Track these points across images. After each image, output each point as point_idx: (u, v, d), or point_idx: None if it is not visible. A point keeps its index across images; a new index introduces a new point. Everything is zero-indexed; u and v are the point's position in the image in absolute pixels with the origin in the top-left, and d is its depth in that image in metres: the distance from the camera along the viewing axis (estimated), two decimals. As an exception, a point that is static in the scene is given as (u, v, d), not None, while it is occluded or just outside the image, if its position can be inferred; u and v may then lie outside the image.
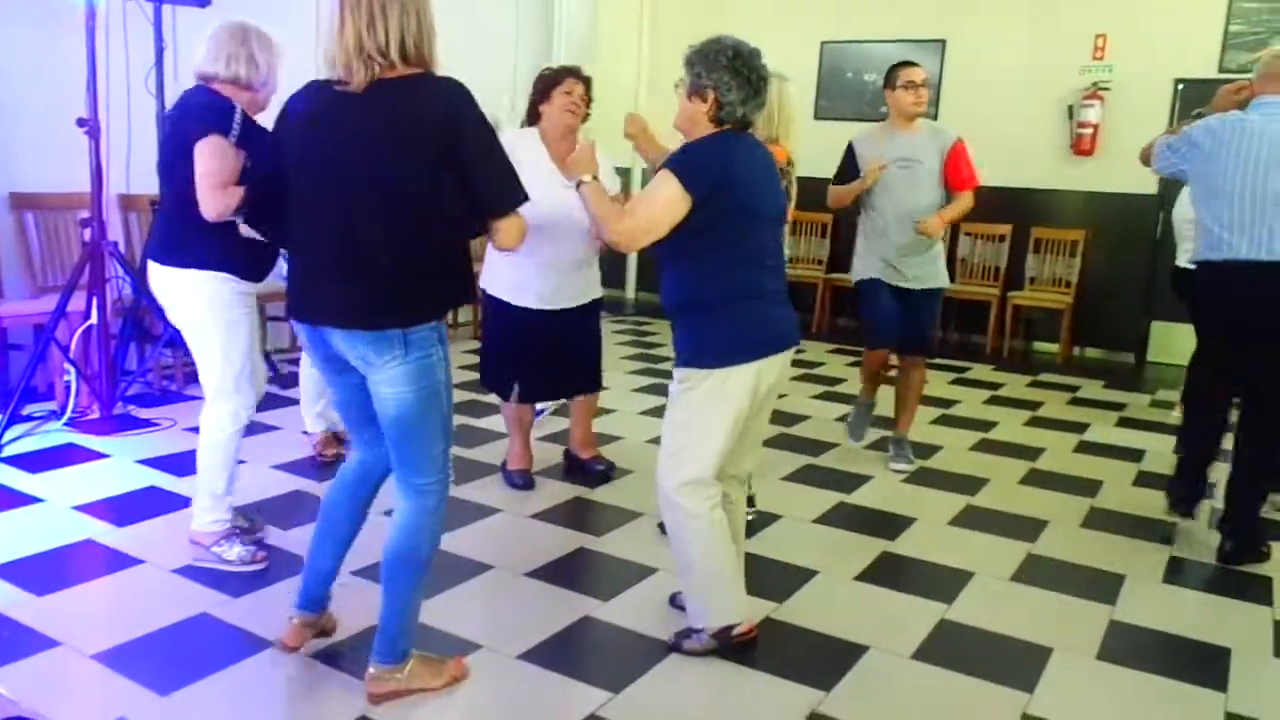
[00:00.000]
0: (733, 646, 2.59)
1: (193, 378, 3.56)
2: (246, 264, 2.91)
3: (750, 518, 3.53)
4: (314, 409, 4.00)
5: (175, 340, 4.00)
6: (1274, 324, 3.26)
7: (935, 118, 7.41)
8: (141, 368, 4.70)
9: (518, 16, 7.36)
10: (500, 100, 6.35)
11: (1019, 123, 7.17)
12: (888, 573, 3.23)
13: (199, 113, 2.76)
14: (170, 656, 2.48)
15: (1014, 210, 7.26)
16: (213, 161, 2.70)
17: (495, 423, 4.70)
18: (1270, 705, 2.53)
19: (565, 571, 3.11)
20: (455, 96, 2.10)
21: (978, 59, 7.29)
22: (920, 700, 2.49)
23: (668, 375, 5.35)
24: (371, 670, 2.33)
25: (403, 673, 2.32)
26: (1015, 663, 2.67)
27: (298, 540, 3.06)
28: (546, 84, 3.70)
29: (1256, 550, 3.45)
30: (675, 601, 2.85)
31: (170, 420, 4.34)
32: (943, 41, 7.41)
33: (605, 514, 3.62)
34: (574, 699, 2.39)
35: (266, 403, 3.83)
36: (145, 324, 4.70)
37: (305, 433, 4.08)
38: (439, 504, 2.29)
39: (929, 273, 4.21)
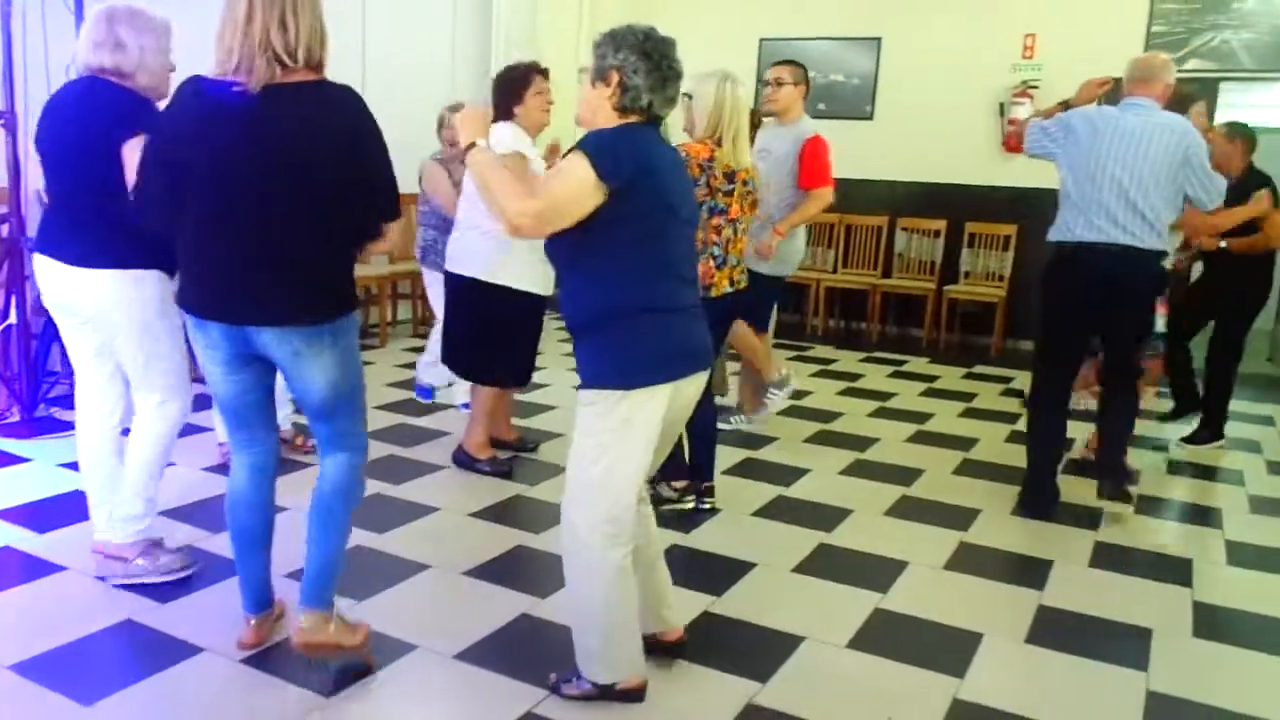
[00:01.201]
0: (615, 697, 2.34)
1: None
2: (172, 260, 2.80)
3: (707, 506, 3.66)
4: None
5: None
6: (1134, 297, 3.67)
7: (871, 115, 7.55)
8: (65, 368, 4.55)
9: (455, 12, 7.29)
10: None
11: (952, 120, 7.30)
12: (824, 564, 3.27)
13: (115, 108, 2.59)
14: (93, 665, 2.41)
15: (949, 205, 7.40)
16: None
17: (432, 421, 4.66)
18: (1188, 683, 2.61)
19: (503, 569, 3.09)
20: (357, 105, 2.17)
21: (912, 57, 7.41)
22: (855, 688, 2.53)
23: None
24: (304, 620, 2.34)
25: (331, 625, 2.36)
26: (947, 648, 2.73)
27: (225, 544, 2.99)
28: (516, 84, 3.72)
29: (1126, 487, 3.84)
30: (553, 684, 2.45)
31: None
32: (878, 39, 7.52)
33: (544, 511, 3.60)
34: (511, 697, 2.37)
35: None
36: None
37: (220, 444, 3.92)
38: (365, 455, 2.44)
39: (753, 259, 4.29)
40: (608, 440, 2.19)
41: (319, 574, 2.36)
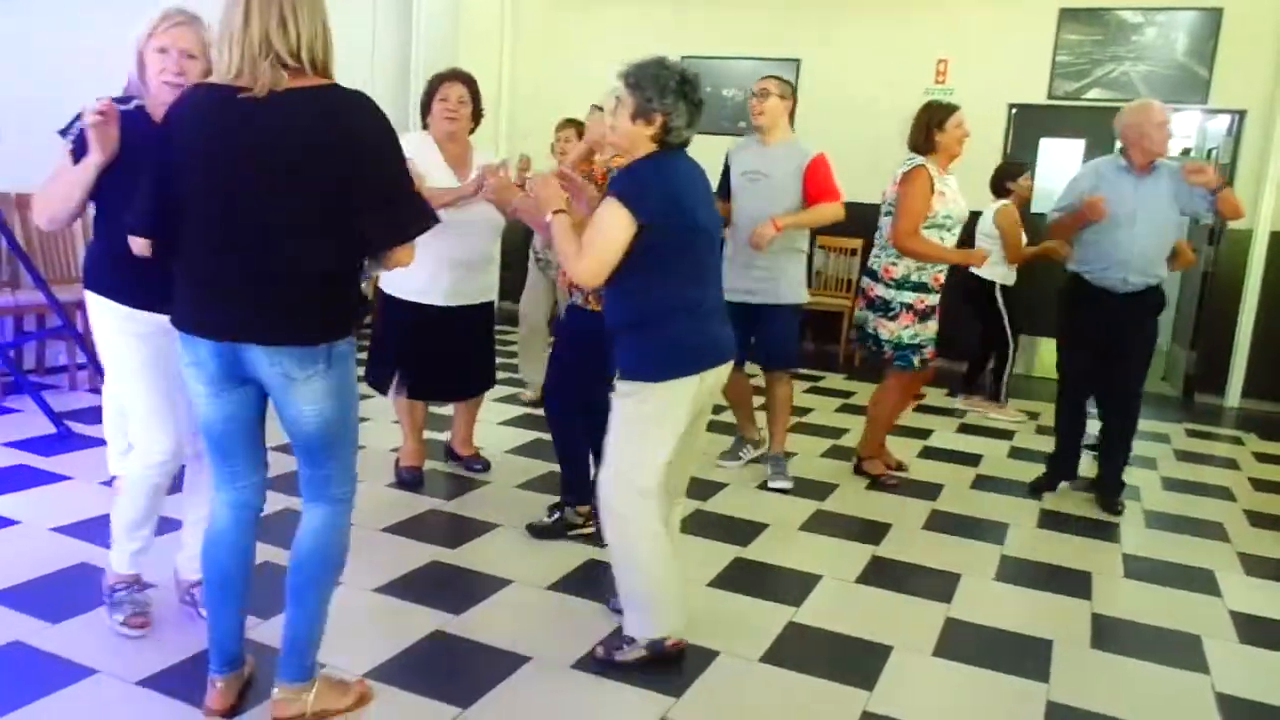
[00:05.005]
0: (665, 657, 2.61)
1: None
2: (134, 290, 2.44)
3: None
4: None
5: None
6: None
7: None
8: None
9: (375, 15, 7.18)
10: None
11: (869, 141, 7.42)
12: (740, 578, 3.29)
13: None
14: (-25, 690, 2.28)
15: (865, 225, 7.50)
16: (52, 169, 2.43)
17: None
18: (1087, 692, 2.69)
19: (416, 585, 3.03)
20: (370, 109, 2.04)
21: (830, 79, 7.56)
22: (766, 702, 2.54)
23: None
24: (277, 693, 2.22)
25: (310, 693, 2.24)
26: (858, 661, 2.77)
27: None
28: (428, 93, 3.80)
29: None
30: (612, 605, 2.86)
31: None
32: (798, 60, 7.65)
33: (460, 525, 3.55)
34: (422, 716, 2.33)
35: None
36: None
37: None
38: (350, 510, 2.27)
39: (770, 289, 4.19)
40: (642, 425, 2.52)
41: (293, 644, 2.22)
